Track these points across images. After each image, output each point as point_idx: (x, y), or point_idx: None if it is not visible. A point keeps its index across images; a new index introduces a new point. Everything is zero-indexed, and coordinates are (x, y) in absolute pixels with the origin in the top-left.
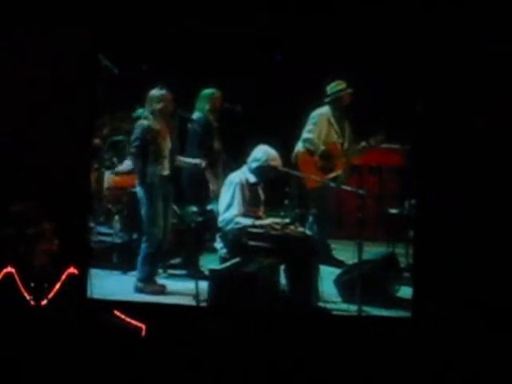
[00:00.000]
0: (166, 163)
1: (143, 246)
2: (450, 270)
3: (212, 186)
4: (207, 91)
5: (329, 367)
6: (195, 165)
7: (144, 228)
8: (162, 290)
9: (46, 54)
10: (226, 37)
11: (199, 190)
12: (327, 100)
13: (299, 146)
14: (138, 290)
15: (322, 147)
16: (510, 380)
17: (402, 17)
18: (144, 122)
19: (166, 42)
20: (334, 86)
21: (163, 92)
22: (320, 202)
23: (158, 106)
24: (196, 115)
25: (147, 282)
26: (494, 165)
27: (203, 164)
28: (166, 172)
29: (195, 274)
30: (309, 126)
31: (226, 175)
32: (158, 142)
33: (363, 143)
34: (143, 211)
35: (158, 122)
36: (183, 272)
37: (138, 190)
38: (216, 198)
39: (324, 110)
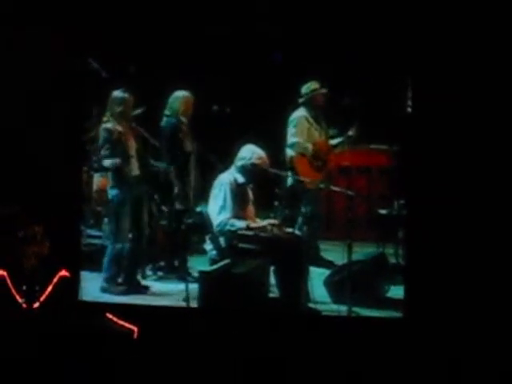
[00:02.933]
0: (135, 164)
1: (109, 247)
2: (441, 269)
3: (177, 189)
4: (179, 93)
5: (319, 368)
6: (164, 169)
7: (112, 230)
8: (126, 291)
9: (36, 57)
10: (211, 39)
11: (163, 192)
12: (301, 100)
13: (290, 152)
14: (104, 291)
15: (311, 147)
16: (501, 378)
17: (388, 14)
18: (107, 126)
19: (153, 44)
20: (308, 87)
21: (125, 95)
22: (310, 202)
23: (119, 109)
24: (164, 119)
25: (112, 283)
26: (483, 164)
27: (171, 169)
28: (135, 172)
29: (183, 275)
30: (291, 130)
31: (214, 177)
32: (122, 143)
33: (343, 136)
34: (112, 213)
35: (119, 123)
36: (173, 274)
37: (110, 191)
38: (184, 200)
39: (300, 111)
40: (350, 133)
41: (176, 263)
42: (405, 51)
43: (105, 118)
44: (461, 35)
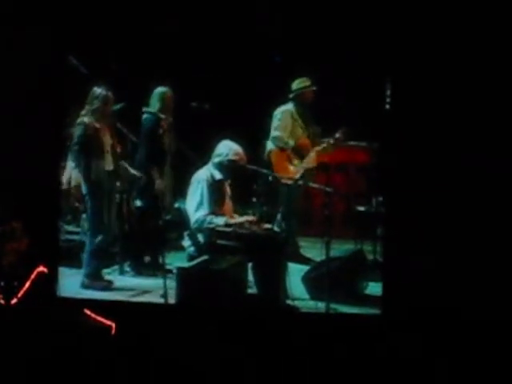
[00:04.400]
0: (109, 158)
1: (89, 242)
2: (418, 266)
3: (157, 185)
4: (160, 90)
5: (297, 365)
6: (134, 176)
7: (90, 224)
8: (109, 286)
9: (15, 54)
10: (191, 37)
11: (144, 188)
12: (291, 96)
13: (270, 145)
14: (85, 286)
15: (292, 142)
16: (478, 373)
17: (370, 13)
18: (84, 120)
19: (135, 41)
20: (299, 83)
21: (105, 93)
22: (288, 199)
23: (99, 105)
24: (144, 116)
25: (94, 278)
26: (460, 161)
27: (141, 177)
28: (110, 167)
29: (160, 271)
30: (275, 124)
31: (191, 174)
32: (98, 139)
33: (331, 138)
34: (88, 208)
35: (97, 119)
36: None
37: (83, 186)
38: (162, 196)
39: (287, 106)
40: (337, 135)
41: (160, 260)
42: (385, 51)
43: (83, 112)
44: (438, 36)
